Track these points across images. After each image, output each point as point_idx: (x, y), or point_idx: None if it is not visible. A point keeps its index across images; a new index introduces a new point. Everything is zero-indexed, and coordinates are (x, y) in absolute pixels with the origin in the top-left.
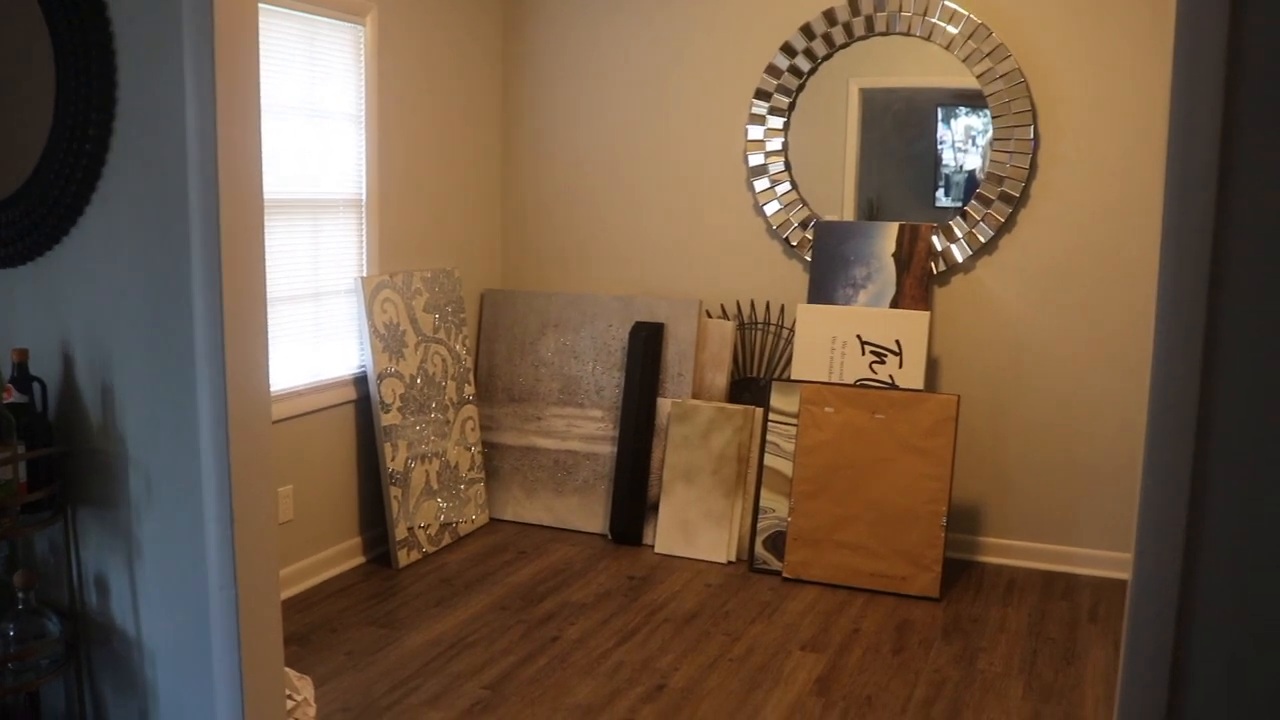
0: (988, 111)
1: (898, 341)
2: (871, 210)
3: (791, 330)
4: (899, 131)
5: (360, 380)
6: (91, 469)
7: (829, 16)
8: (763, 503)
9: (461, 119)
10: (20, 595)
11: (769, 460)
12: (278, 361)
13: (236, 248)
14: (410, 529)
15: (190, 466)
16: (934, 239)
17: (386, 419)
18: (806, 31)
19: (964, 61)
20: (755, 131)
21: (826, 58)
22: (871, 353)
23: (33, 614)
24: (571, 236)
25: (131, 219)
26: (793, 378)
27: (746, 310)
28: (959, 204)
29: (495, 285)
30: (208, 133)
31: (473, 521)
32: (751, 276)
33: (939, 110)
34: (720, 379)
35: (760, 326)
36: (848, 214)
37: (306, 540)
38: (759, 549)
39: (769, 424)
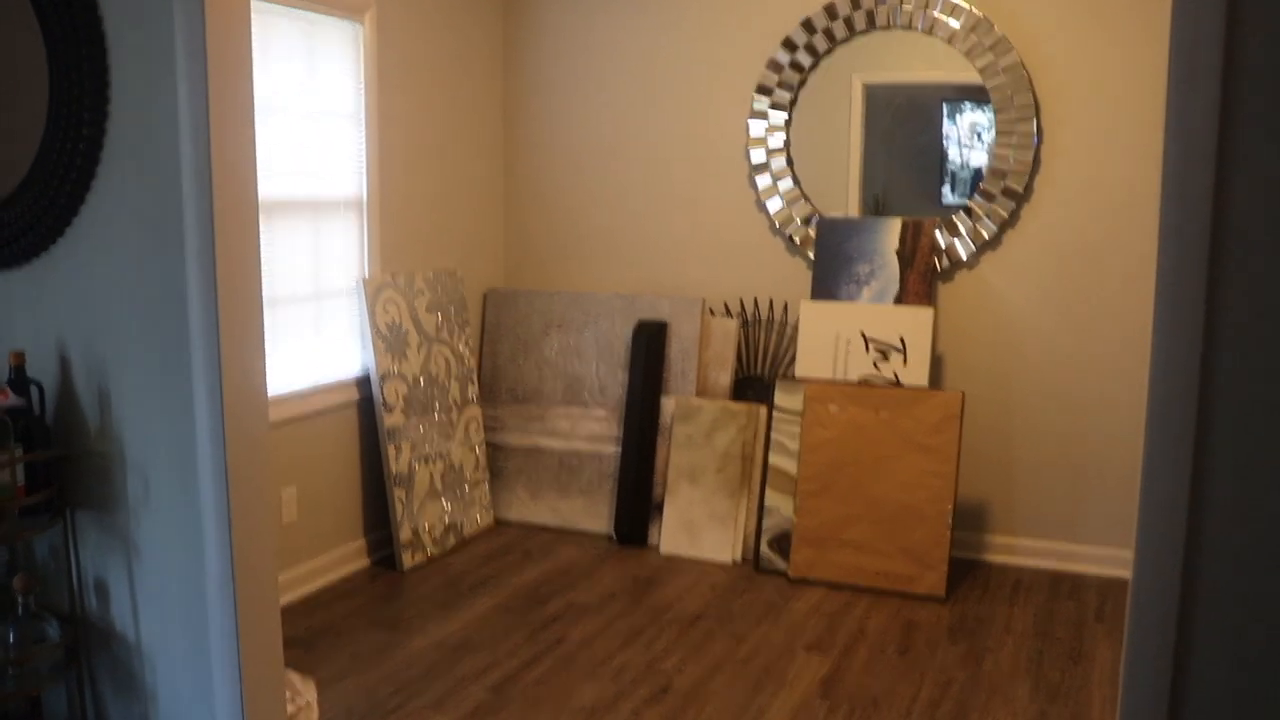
0: (991, 106)
1: (901, 338)
2: (877, 207)
3: (795, 328)
4: (903, 127)
5: (363, 381)
6: (90, 471)
7: (829, 11)
8: (768, 502)
9: (461, 117)
10: (20, 600)
11: (773, 459)
12: (280, 363)
13: (231, 248)
14: (415, 531)
15: (188, 468)
16: (937, 235)
17: (390, 420)
18: (807, 26)
19: (966, 55)
20: (757, 128)
21: (828, 52)
22: (875, 350)
23: (33, 618)
24: (573, 235)
25: (127, 220)
26: (797, 375)
27: (750, 308)
28: (965, 200)
29: (498, 285)
30: (201, 133)
31: (477, 523)
32: (754, 274)
33: (944, 105)
34: (724, 377)
35: (763, 324)
36: (852, 210)
37: (310, 542)
38: (764, 549)
39: (773, 422)
